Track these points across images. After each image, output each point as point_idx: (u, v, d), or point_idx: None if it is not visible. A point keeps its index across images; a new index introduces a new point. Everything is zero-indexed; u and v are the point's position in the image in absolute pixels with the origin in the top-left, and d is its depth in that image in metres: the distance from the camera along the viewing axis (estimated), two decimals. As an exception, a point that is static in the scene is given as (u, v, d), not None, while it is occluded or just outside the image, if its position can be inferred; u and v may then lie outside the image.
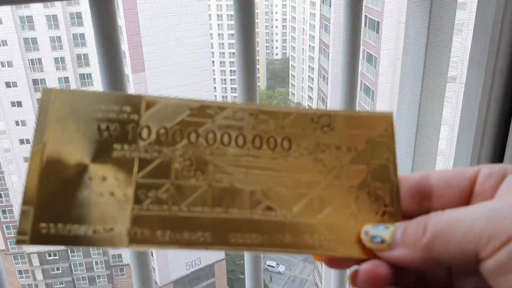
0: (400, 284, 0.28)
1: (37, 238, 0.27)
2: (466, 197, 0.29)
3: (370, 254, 0.29)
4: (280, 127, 0.31)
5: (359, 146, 0.32)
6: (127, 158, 0.29)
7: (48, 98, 0.30)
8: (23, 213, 0.28)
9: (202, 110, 0.31)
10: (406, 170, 0.97)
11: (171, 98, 0.31)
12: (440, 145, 0.96)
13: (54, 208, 0.28)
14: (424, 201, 0.30)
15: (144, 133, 0.30)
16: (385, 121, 0.32)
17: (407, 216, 0.30)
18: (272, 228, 0.29)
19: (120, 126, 0.30)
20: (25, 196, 0.28)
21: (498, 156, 0.82)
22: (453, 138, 0.90)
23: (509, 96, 0.78)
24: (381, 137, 0.32)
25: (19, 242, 0.27)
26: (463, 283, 0.29)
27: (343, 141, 0.32)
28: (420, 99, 0.95)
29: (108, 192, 0.29)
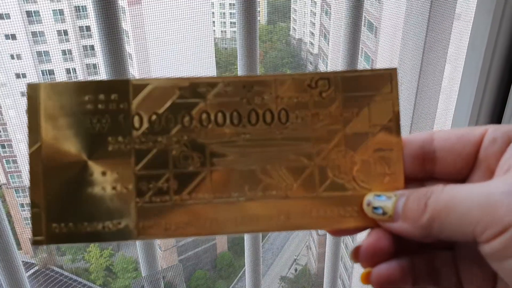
0: (405, 249, 0.29)
1: (52, 238, 0.28)
2: (471, 163, 0.29)
3: (372, 222, 0.29)
4: (276, 97, 0.30)
5: (360, 110, 0.30)
6: (123, 150, 0.29)
7: (35, 94, 0.29)
8: (34, 216, 0.28)
9: (192, 89, 0.29)
10: (408, 110, 0.97)
11: (158, 79, 0.29)
12: (442, 83, 0.95)
13: (62, 208, 0.28)
14: (427, 165, 0.30)
15: (136, 122, 0.29)
16: (388, 79, 0.30)
17: (411, 179, 0.30)
18: (274, 208, 0.29)
19: (111, 117, 0.29)
20: (32, 199, 0.28)
21: (502, 96, 0.82)
22: (455, 77, 0.89)
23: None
24: (384, 98, 0.30)
25: (36, 242, 0.28)
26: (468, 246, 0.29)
27: (344, 106, 0.30)
28: (426, 37, 0.93)
29: (110, 187, 0.29)
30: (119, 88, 0.29)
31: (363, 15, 0.75)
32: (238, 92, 0.30)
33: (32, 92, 0.29)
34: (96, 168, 0.29)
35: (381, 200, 0.29)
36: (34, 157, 0.28)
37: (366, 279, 0.28)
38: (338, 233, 0.31)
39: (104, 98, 0.29)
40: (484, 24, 0.78)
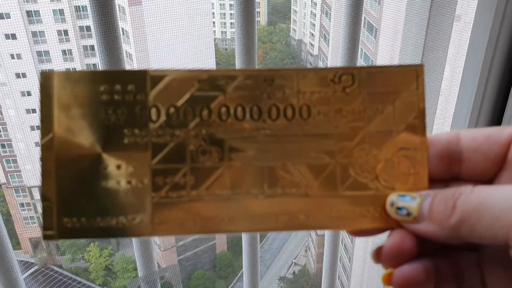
0: (426, 250, 0.28)
1: (64, 232, 0.27)
2: (498, 164, 0.28)
3: (395, 223, 0.28)
4: (298, 92, 0.29)
5: (385, 107, 0.29)
6: (139, 143, 0.28)
7: (48, 83, 0.27)
8: (45, 209, 0.27)
9: (212, 82, 0.28)
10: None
11: (177, 71, 0.28)
12: (441, 85, 0.95)
13: (75, 202, 0.27)
14: (453, 165, 0.29)
15: (153, 114, 0.28)
16: (415, 76, 0.29)
17: (435, 179, 0.29)
18: (294, 206, 0.29)
19: (127, 109, 0.28)
20: (44, 192, 0.27)
21: (502, 98, 0.82)
22: (455, 78, 0.89)
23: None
24: (410, 95, 0.29)
25: (46, 237, 0.27)
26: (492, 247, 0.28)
27: (368, 103, 0.29)
28: (425, 38, 0.93)
29: (125, 181, 0.28)
30: (136, 79, 0.28)
31: (362, 16, 0.75)
32: (259, 86, 0.29)
33: (45, 80, 0.27)
34: (110, 161, 0.28)
35: (406, 201, 0.28)
36: (46, 149, 0.27)
37: (387, 280, 0.28)
38: (358, 233, 0.30)
39: (120, 89, 0.28)
40: (484, 25, 0.77)
